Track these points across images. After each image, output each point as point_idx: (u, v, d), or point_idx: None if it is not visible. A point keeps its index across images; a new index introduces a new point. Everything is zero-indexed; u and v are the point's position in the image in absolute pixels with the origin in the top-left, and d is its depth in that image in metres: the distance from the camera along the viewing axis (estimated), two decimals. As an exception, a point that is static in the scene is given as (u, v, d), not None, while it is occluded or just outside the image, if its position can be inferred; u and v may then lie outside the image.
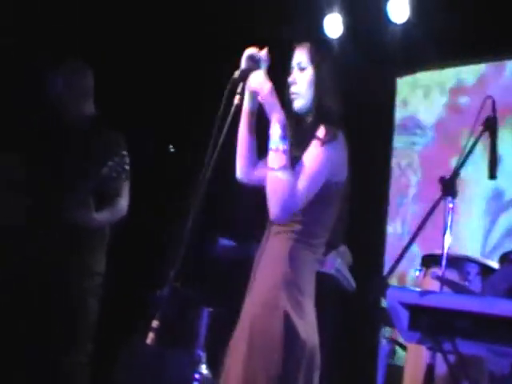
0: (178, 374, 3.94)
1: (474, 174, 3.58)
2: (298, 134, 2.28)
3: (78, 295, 3.25)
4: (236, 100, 2.25)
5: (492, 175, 2.45)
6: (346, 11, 5.01)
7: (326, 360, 2.30)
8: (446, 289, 2.52)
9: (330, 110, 2.27)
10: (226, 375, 2.22)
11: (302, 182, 2.15)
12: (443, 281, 2.39)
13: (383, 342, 3.97)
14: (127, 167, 3.17)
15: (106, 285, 3.38)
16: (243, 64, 2.29)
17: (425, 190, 5.17)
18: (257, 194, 2.31)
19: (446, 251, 2.33)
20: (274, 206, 2.16)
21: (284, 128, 2.19)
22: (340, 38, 5.06)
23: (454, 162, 2.39)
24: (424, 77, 5.33)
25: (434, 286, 2.64)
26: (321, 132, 2.19)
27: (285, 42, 2.39)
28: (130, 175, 3.28)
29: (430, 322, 2.00)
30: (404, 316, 2.04)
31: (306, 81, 2.31)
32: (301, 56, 2.34)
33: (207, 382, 3.84)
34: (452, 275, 2.90)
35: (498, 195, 4.76)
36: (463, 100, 5.07)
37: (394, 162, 5.40)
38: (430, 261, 3.21)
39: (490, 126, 2.44)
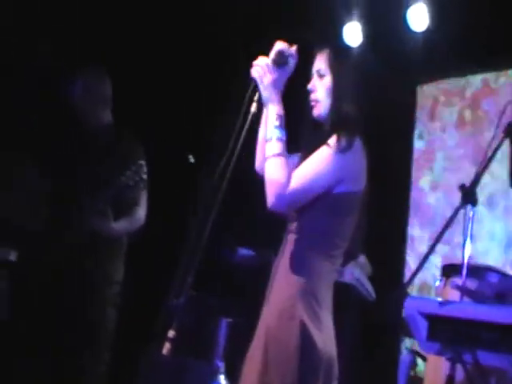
0: (196, 384, 3.93)
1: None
2: (315, 141, 2.26)
3: (97, 304, 3.26)
4: (253, 108, 2.25)
5: (513, 183, 2.41)
6: (365, 20, 5.00)
7: (344, 371, 2.27)
8: (466, 298, 2.48)
9: (347, 118, 2.24)
10: (242, 384, 2.21)
11: (299, 176, 2.13)
12: (463, 290, 2.36)
13: (404, 353, 3.93)
14: (145, 176, 3.17)
15: (123, 294, 3.38)
16: (272, 55, 2.26)
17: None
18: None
19: (466, 260, 2.29)
20: (269, 194, 2.15)
21: (280, 118, 2.19)
22: (360, 46, 5.05)
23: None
24: (444, 84, 5.30)
25: (455, 295, 2.61)
26: (332, 140, 2.17)
27: (304, 49, 2.37)
28: (147, 185, 3.28)
29: (450, 333, 1.96)
30: (423, 326, 2.02)
31: (325, 88, 2.29)
32: (320, 63, 2.32)
33: (225, 392, 3.83)
34: (473, 285, 2.86)
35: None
36: (485, 106, 5.02)
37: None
38: (450, 270, 3.18)
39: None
